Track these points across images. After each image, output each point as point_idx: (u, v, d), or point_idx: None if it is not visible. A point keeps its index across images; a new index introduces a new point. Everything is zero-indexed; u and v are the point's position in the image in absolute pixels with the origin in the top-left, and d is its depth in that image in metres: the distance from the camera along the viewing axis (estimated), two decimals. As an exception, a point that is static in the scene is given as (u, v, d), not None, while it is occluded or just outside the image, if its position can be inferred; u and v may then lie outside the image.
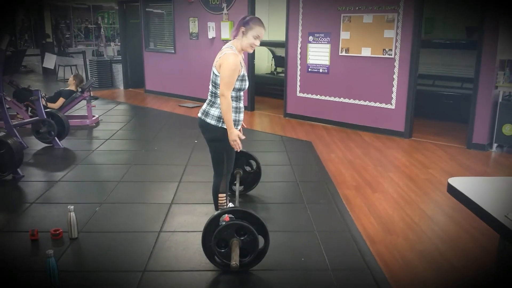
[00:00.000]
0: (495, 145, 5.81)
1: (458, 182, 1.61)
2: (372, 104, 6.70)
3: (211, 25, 8.51)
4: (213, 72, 3.19)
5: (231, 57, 3.08)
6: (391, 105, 6.52)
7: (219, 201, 3.33)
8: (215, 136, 3.23)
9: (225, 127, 3.15)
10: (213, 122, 3.20)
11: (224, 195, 3.32)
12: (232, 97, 3.15)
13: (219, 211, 2.94)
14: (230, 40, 3.27)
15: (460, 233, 3.57)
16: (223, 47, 3.24)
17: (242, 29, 3.14)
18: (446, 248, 3.33)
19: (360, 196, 4.32)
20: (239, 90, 3.21)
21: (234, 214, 2.85)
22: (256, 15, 7.96)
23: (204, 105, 3.30)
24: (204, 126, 3.28)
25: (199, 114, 3.31)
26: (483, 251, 3.29)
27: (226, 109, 3.08)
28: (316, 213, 3.89)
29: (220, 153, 3.28)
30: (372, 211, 3.99)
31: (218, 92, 3.12)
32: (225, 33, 8.25)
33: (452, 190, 1.64)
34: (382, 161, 5.50)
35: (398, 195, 4.38)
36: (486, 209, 1.51)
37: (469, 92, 7.25)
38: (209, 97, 3.26)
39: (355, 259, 3.15)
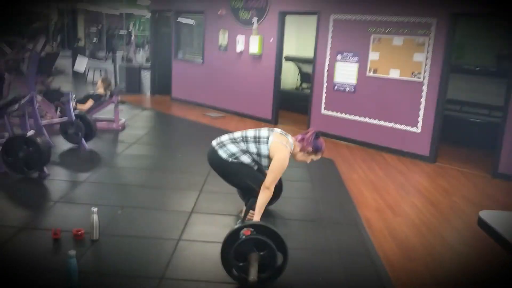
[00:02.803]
0: (521, 176, 5.69)
1: (489, 216, 1.57)
2: (398, 126, 6.65)
3: (240, 38, 8.59)
4: (259, 135, 3.34)
5: (286, 154, 3.27)
6: (417, 128, 6.45)
7: (249, 216, 3.38)
8: (224, 166, 3.38)
9: (233, 161, 3.32)
10: (224, 156, 3.34)
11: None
12: (253, 158, 3.35)
13: (240, 224, 2.95)
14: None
15: (479, 264, 3.49)
16: (280, 132, 3.42)
17: (309, 149, 3.35)
18: (464, 277, 3.26)
19: (381, 219, 4.28)
20: (259, 164, 3.40)
21: (255, 229, 2.85)
22: (285, 30, 8.05)
23: (225, 137, 3.45)
24: (213, 157, 3.41)
25: (214, 143, 3.45)
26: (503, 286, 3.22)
27: (265, 201, 3.23)
28: (336, 233, 3.86)
29: (239, 173, 3.38)
30: (393, 235, 3.94)
31: (250, 149, 3.32)
32: (254, 47, 8.32)
33: (482, 223, 1.61)
34: (405, 184, 5.43)
35: (420, 220, 4.32)
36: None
37: (496, 120, 7.15)
38: (233, 136, 3.42)
39: (374, 285, 3.10)
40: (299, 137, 3.42)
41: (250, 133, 3.39)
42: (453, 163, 6.41)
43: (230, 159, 3.34)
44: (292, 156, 3.42)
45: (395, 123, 6.67)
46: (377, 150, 6.85)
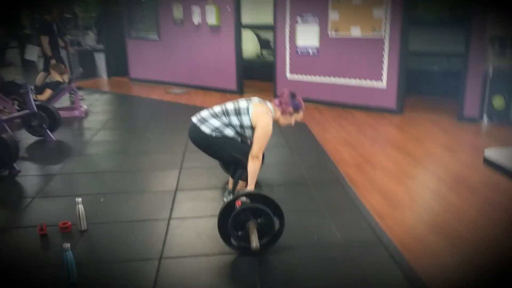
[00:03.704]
0: (485, 116, 5.93)
1: (494, 154, 1.63)
2: (364, 82, 6.75)
3: (196, 10, 8.38)
4: (239, 107, 3.31)
5: (269, 121, 3.26)
6: (382, 82, 6.57)
7: (238, 187, 3.39)
8: (208, 142, 3.34)
9: (217, 136, 3.29)
10: (207, 131, 3.30)
11: (245, 183, 3.35)
12: (237, 130, 3.33)
13: (235, 195, 2.95)
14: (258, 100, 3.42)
15: (465, 204, 3.65)
16: (258, 100, 3.38)
17: (290, 109, 3.33)
18: (453, 219, 3.40)
19: (361, 173, 4.38)
20: (243, 136, 3.39)
21: (250, 197, 2.86)
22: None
23: (205, 113, 3.39)
24: (196, 133, 3.36)
25: (194, 120, 3.40)
26: (490, 220, 3.38)
27: (256, 170, 3.22)
28: (321, 192, 3.93)
29: (222, 147, 3.35)
30: (376, 187, 4.05)
31: (232, 122, 3.28)
32: (211, 18, 8.14)
33: (489, 162, 1.66)
34: (377, 138, 5.57)
35: (398, 170, 4.45)
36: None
37: (455, 67, 7.37)
38: (213, 111, 3.37)
39: (367, 235, 3.20)
40: (276, 101, 3.42)
41: (230, 106, 3.36)
42: (420, 112, 6.60)
43: (214, 134, 3.30)
44: (276, 121, 3.42)
45: (361, 80, 6.76)
46: (345, 108, 6.94)
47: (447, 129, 5.74)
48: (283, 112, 3.38)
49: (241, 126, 3.30)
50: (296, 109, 3.39)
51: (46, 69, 7.91)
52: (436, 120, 6.15)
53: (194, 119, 3.42)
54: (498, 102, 5.71)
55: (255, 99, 3.40)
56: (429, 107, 6.86)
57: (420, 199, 3.81)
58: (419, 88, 7.63)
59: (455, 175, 4.27)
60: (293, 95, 3.38)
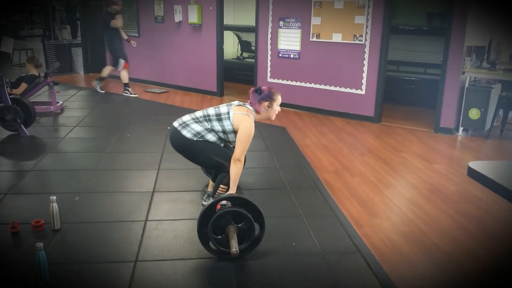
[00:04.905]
0: (461, 128, 6.06)
1: (478, 166, 1.67)
2: (343, 89, 6.81)
3: (178, 8, 8.31)
4: (220, 112, 3.30)
5: (250, 122, 3.23)
6: (362, 90, 6.64)
7: (219, 190, 3.35)
8: (189, 147, 3.32)
9: (198, 140, 3.28)
10: (188, 135, 3.27)
11: (226, 187, 3.31)
12: (220, 136, 3.33)
13: (217, 198, 2.92)
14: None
15: (440, 214, 3.71)
16: (238, 103, 3.35)
17: (266, 104, 3.29)
18: (428, 229, 3.45)
19: (340, 180, 4.41)
20: (226, 141, 3.39)
21: (232, 201, 2.84)
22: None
23: (186, 118, 3.36)
24: (177, 138, 3.33)
25: (176, 124, 3.37)
26: (463, 230, 3.44)
27: (238, 173, 3.19)
28: (300, 198, 3.94)
29: (203, 151, 3.33)
30: (354, 194, 4.08)
31: (214, 128, 3.27)
32: (193, 17, 8.09)
33: (473, 173, 1.69)
34: (356, 145, 5.62)
35: (376, 178, 4.50)
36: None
37: (432, 77, 7.52)
38: (195, 116, 3.35)
39: (345, 242, 3.21)
40: (248, 104, 3.38)
41: (211, 111, 3.34)
42: (397, 121, 6.70)
43: (195, 138, 3.27)
44: (258, 120, 3.42)
45: (340, 87, 6.82)
46: (325, 115, 6.99)
47: (423, 139, 5.84)
48: (260, 110, 3.34)
49: (224, 132, 3.28)
50: (269, 98, 3.33)
51: (115, 64, 8.10)
52: (412, 131, 6.26)
53: (175, 123, 3.38)
54: (474, 113, 5.83)
55: (235, 103, 3.37)
56: (406, 117, 6.97)
57: (396, 208, 3.86)
58: (397, 97, 7.74)
59: (430, 185, 4.34)
60: (256, 90, 3.34)
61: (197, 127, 3.29)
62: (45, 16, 12.19)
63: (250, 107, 3.35)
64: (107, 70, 8.42)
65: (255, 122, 3.33)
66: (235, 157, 3.18)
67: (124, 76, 8.14)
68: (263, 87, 3.40)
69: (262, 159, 5.00)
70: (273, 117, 3.44)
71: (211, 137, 3.30)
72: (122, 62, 7.99)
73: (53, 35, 11.38)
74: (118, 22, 7.89)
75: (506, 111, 5.93)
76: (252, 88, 3.39)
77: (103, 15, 8.11)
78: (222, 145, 3.41)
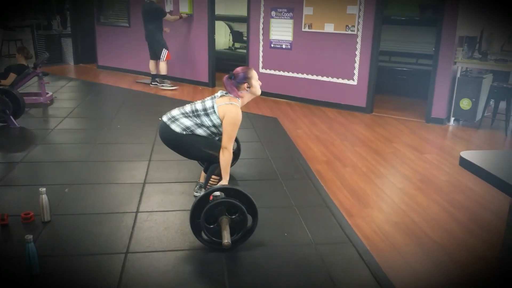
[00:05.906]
0: (452, 119, 6.08)
1: (470, 156, 1.66)
2: (335, 80, 6.79)
3: (169, -3, 8.22)
4: (206, 107, 3.25)
5: (234, 110, 3.18)
6: (354, 81, 6.63)
7: (211, 181, 3.33)
8: (179, 141, 3.29)
9: (188, 134, 3.26)
10: (178, 130, 3.25)
11: (218, 178, 3.29)
12: (211, 131, 3.29)
13: (212, 188, 2.90)
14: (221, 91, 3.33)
15: (431, 205, 3.73)
16: (221, 93, 3.29)
17: (245, 85, 3.24)
18: (420, 219, 3.47)
19: (332, 171, 4.41)
20: (219, 134, 3.33)
21: (226, 192, 2.82)
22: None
23: (175, 112, 3.33)
24: (166, 132, 3.30)
25: (165, 119, 3.34)
26: (455, 221, 3.46)
27: (227, 161, 3.17)
28: (292, 189, 3.93)
29: (193, 144, 3.30)
30: (345, 185, 4.08)
31: (204, 123, 3.23)
32: (184, 7, 8.00)
33: (465, 163, 1.69)
34: (348, 136, 5.62)
35: (367, 168, 4.50)
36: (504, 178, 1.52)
37: (424, 68, 7.52)
38: (184, 110, 3.31)
39: (336, 233, 3.22)
40: (228, 89, 3.30)
41: (198, 105, 3.29)
42: (389, 112, 6.70)
43: (185, 132, 3.25)
44: (247, 103, 3.39)
45: (333, 77, 6.81)
46: (316, 105, 6.98)
47: (415, 130, 5.86)
48: (240, 93, 3.28)
49: (214, 126, 3.26)
50: (245, 79, 3.26)
51: (153, 56, 7.95)
52: (404, 121, 6.27)
53: (165, 117, 3.35)
54: (465, 103, 5.85)
55: (218, 94, 3.32)
56: (398, 107, 6.98)
57: (388, 198, 3.86)
58: (388, 88, 7.74)
59: (422, 175, 4.35)
60: (230, 77, 3.27)
61: (187, 122, 3.26)
62: (43, 6, 12.07)
63: (236, 100, 3.29)
64: (153, 65, 8.09)
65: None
66: (223, 146, 3.18)
67: (164, 67, 7.94)
68: (235, 71, 3.31)
69: (254, 149, 4.98)
70: (259, 92, 3.35)
71: (201, 132, 3.28)
72: (165, 52, 7.82)
73: (41, 25, 11.25)
74: (173, 17, 7.88)
75: (497, 101, 5.96)
76: (225, 76, 3.30)
77: (145, 5, 7.78)
78: (216, 138, 3.39)
